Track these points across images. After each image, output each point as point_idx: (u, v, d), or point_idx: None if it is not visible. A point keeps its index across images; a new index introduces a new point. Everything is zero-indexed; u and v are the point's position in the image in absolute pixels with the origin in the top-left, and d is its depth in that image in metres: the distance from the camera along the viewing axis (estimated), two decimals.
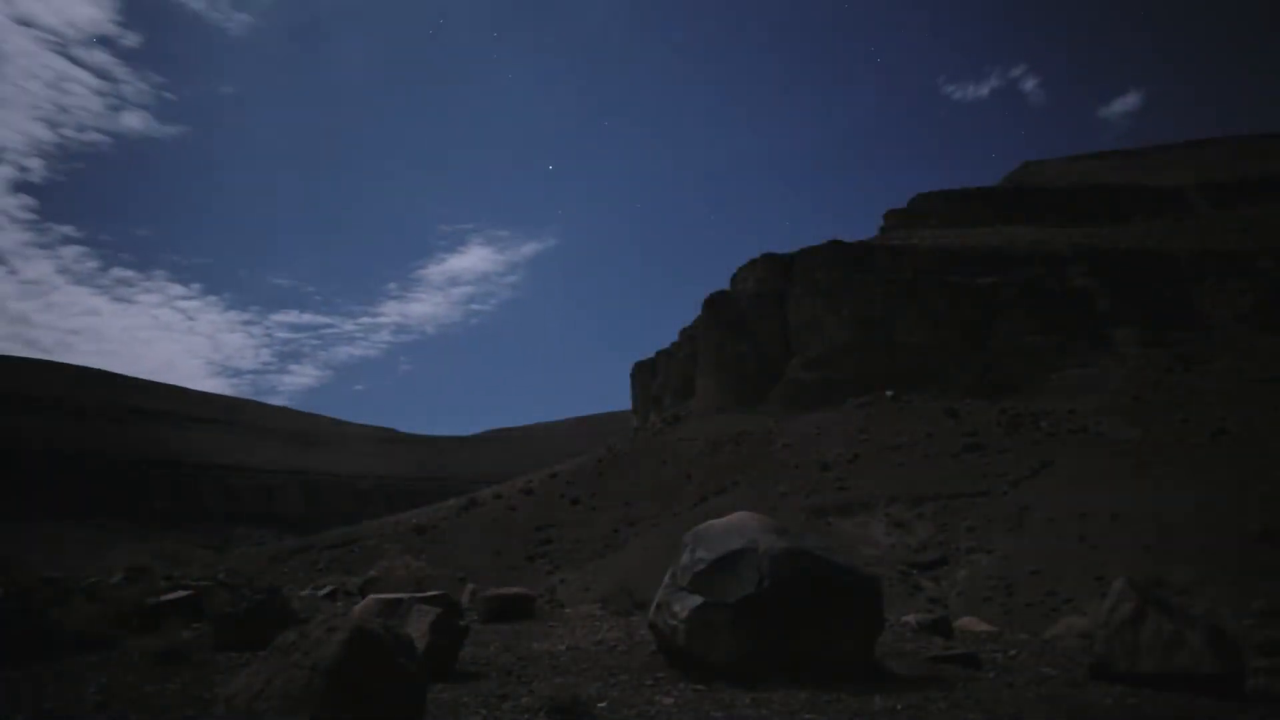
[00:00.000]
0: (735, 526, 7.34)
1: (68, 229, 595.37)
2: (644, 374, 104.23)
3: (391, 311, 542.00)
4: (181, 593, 10.38)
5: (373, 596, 7.91)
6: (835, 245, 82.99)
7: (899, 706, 5.75)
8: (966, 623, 11.58)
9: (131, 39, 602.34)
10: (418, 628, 7.02)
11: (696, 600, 6.75)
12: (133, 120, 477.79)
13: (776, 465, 60.36)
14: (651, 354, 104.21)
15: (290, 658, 4.03)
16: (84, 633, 8.21)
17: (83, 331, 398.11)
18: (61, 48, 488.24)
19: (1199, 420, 50.76)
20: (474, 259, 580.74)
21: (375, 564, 16.81)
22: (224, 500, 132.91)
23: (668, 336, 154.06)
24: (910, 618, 10.50)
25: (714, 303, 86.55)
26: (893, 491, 48.49)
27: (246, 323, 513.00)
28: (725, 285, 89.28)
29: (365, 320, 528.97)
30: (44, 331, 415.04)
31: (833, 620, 6.73)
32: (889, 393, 69.58)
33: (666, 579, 7.27)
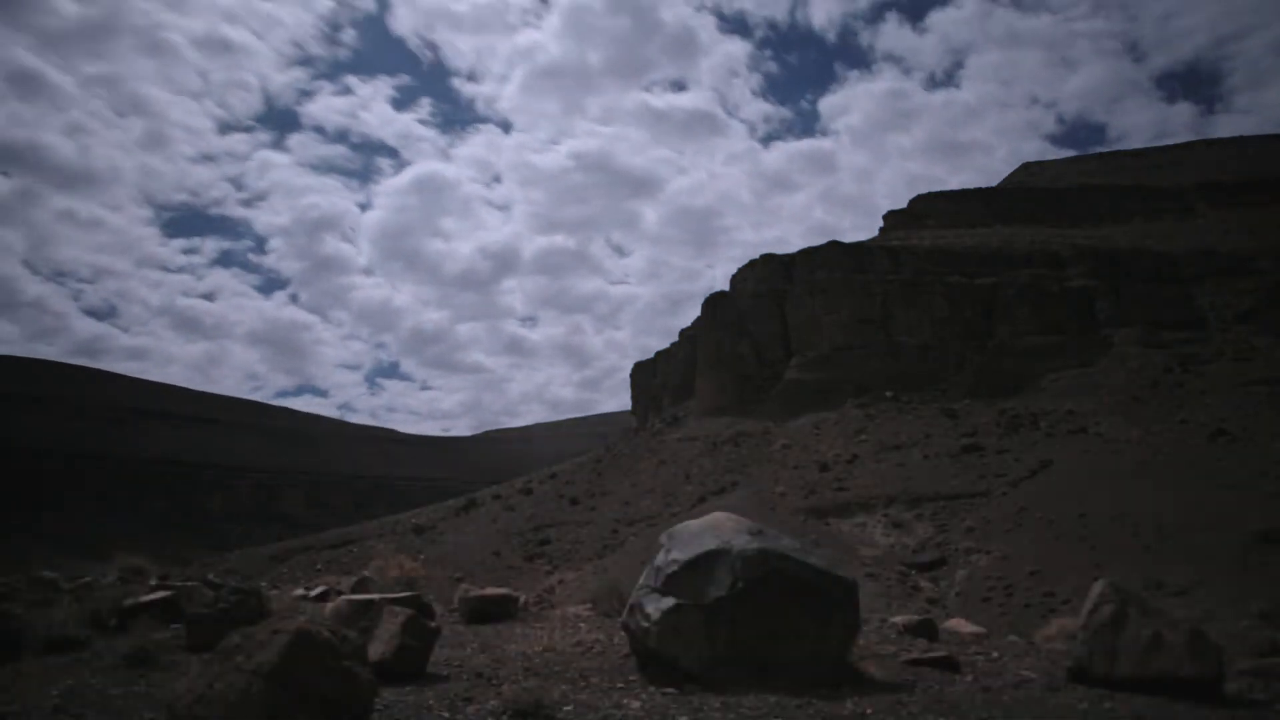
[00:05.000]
0: (710, 527, 7.22)
1: None
2: (644, 374, 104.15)
3: None
4: (161, 593, 10.28)
5: (344, 598, 7.81)
6: (835, 245, 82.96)
7: (869, 710, 5.65)
8: (955, 624, 11.42)
9: None
10: (388, 629, 6.92)
11: (669, 602, 6.64)
12: None
13: (775, 466, 60.24)
14: (651, 354, 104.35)
15: (233, 660, 3.93)
16: (57, 634, 8.11)
17: None
18: None
19: (1199, 420, 50.59)
20: None
21: (370, 564, 16.68)
22: (224, 500, 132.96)
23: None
24: (896, 619, 10.37)
25: (714, 303, 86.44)
26: (891, 492, 48.37)
27: None
28: (725, 285, 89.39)
29: None
30: None
31: (807, 623, 6.62)
32: (888, 393, 69.42)
33: (641, 580, 7.16)
